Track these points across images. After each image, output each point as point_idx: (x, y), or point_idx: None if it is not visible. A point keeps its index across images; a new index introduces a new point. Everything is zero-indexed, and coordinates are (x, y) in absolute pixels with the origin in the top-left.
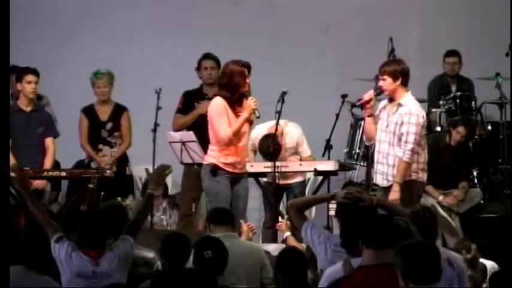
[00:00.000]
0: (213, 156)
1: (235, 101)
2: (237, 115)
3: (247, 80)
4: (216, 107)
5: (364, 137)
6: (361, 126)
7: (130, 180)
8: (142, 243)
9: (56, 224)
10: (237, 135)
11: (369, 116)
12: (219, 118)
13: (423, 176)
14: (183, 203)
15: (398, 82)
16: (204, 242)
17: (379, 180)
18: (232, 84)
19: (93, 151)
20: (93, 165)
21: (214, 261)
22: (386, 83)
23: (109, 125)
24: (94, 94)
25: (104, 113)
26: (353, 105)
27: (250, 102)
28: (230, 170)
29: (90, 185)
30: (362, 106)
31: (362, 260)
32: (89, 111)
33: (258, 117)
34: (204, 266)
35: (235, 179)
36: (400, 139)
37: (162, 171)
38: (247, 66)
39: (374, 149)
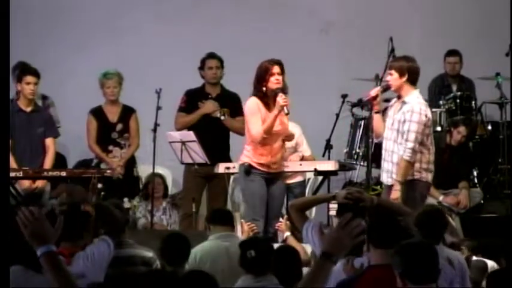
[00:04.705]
0: (248, 155)
1: (269, 98)
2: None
3: (277, 77)
4: (249, 106)
5: (373, 135)
6: (361, 126)
7: (137, 181)
8: (142, 243)
9: None
10: (269, 133)
11: (376, 113)
12: (251, 117)
13: (427, 176)
14: (184, 202)
15: (405, 79)
16: (248, 242)
17: (384, 178)
18: (258, 81)
19: (102, 152)
20: (102, 166)
21: (258, 261)
22: (393, 78)
23: (119, 126)
24: (103, 95)
25: (112, 114)
26: (355, 104)
27: (279, 99)
28: (265, 170)
29: (100, 185)
30: (369, 103)
31: (367, 259)
32: (98, 113)
33: (287, 114)
34: (247, 266)
35: (270, 180)
36: (402, 137)
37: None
38: (277, 63)
39: (382, 146)
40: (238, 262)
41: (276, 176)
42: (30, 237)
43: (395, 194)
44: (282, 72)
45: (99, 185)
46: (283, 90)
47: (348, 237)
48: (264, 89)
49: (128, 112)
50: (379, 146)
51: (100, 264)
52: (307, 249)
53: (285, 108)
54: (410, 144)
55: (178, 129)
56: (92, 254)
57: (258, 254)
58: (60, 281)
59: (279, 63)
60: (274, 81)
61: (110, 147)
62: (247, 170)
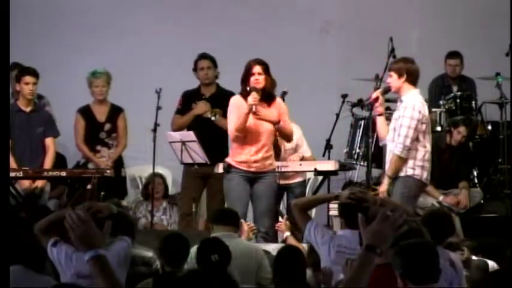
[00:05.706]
0: (229, 154)
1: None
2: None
3: (256, 77)
4: (230, 104)
5: (375, 135)
6: (361, 126)
7: (124, 182)
8: (142, 243)
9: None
10: (240, 131)
11: (379, 115)
12: (229, 115)
13: (420, 173)
14: (182, 202)
15: (403, 79)
16: (209, 245)
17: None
18: (242, 80)
19: (90, 152)
20: (90, 166)
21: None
22: (392, 79)
23: (107, 126)
24: (91, 94)
25: (101, 113)
26: (355, 104)
27: (249, 98)
28: (244, 168)
29: (89, 186)
30: (371, 105)
31: None
32: (86, 112)
33: (253, 113)
34: (209, 268)
35: (253, 178)
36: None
37: None
38: (259, 63)
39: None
40: (197, 264)
41: (260, 176)
42: (78, 241)
43: (383, 187)
44: (265, 73)
45: (88, 186)
46: (264, 89)
47: (390, 228)
48: (248, 88)
49: (116, 112)
50: (379, 146)
51: (125, 262)
52: (306, 249)
53: (253, 107)
54: (401, 139)
55: (174, 131)
56: (117, 252)
57: (221, 257)
58: (109, 284)
59: (261, 63)
60: (253, 81)
61: (98, 147)
62: (226, 168)
